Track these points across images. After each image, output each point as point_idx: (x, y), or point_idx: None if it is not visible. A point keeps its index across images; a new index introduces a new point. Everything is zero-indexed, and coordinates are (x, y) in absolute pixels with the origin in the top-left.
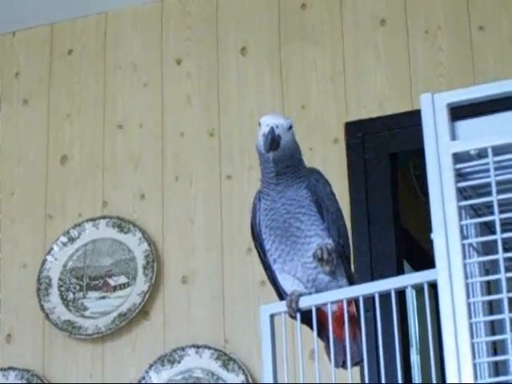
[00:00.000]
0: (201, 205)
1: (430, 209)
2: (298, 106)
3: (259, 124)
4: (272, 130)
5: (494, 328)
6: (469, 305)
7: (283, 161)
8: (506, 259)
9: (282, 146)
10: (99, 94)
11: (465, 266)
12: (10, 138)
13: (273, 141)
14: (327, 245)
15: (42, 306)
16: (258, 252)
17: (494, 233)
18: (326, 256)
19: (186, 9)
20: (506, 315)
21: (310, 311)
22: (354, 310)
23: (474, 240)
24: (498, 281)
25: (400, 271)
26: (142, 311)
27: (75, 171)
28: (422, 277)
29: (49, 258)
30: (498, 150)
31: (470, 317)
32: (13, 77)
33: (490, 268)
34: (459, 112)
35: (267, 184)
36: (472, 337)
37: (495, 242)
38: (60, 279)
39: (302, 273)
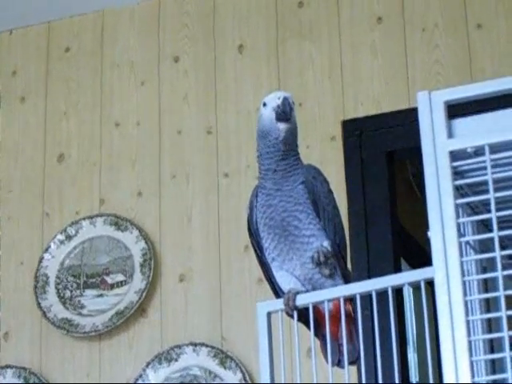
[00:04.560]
0: (198, 202)
1: (426, 206)
2: (295, 104)
3: (264, 104)
4: (287, 99)
5: (491, 326)
6: (466, 303)
7: (290, 142)
8: (503, 257)
9: (291, 120)
10: (96, 91)
11: (462, 263)
12: (7, 136)
13: (290, 107)
14: (325, 249)
15: (39, 304)
16: (254, 249)
17: (491, 231)
18: (322, 259)
19: (182, 7)
20: (502, 313)
21: (305, 309)
22: (351, 308)
23: (470, 238)
24: (494, 279)
25: (397, 269)
26: (140, 309)
27: (72, 169)
28: (418, 274)
29: (46, 255)
30: (495, 148)
31: (466, 315)
32: (10, 75)
33: (486, 266)
34: (456, 110)
35: (265, 174)
36: (469, 335)
37: (492, 239)
38: (57, 277)
39: (300, 271)
